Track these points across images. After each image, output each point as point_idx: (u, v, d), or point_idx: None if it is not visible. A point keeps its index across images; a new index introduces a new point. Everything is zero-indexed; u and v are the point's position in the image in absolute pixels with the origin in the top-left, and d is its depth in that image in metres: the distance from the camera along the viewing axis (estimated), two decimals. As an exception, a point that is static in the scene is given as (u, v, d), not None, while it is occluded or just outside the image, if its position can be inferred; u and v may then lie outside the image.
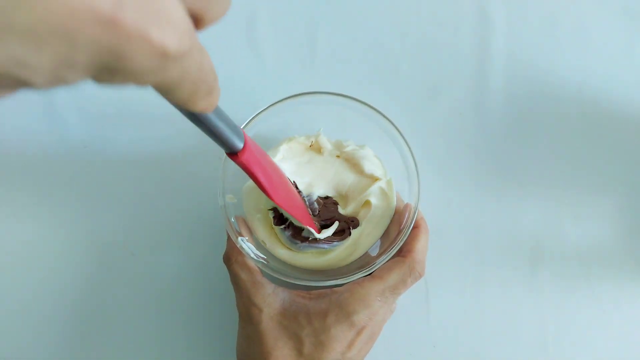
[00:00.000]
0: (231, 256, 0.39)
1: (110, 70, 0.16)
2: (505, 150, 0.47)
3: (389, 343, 0.45)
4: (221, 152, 0.40)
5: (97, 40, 0.14)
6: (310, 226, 0.38)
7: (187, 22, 0.17)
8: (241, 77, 0.48)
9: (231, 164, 0.40)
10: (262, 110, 0.40)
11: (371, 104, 0.41)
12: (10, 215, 0.46)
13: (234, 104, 0.47)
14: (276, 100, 0.40)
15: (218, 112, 0.26)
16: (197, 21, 0.19)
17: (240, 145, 0.29)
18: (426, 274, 0.45)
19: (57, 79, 0.15)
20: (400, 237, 0.40)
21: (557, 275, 0.45)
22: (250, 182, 0.42)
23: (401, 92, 0.48)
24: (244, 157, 0.30)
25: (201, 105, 0.21)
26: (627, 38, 0.48)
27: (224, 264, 0.40)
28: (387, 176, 0.43)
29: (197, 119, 0.25)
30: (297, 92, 0.41)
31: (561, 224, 0.46)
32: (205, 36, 0.51)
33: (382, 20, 0.49)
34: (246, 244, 0.40)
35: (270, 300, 0.38)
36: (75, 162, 0.47)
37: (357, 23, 0.49)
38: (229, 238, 0.40)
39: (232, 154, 0.30)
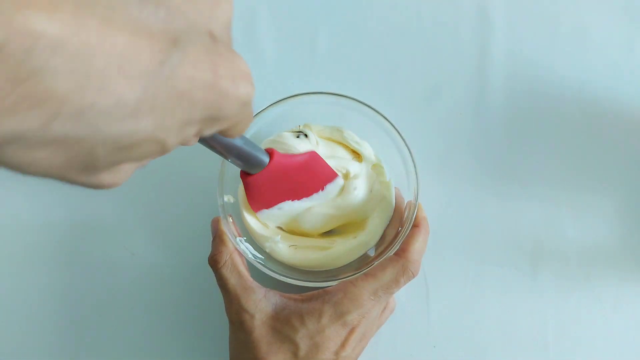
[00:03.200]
0: (219, 259, 0.38)
1: (212, 121, 0.20)
2: (505, 150, 0.47)
3: (389, 343, 0.45)
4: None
5: (207, 99, 0.19)
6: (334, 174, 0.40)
7: (251, 75, 0.21)
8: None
9: (230, 165, 0.40)
10: (261, 110, 0.40)
11: (370, 104, 0.41)
12: (9, 215, 0.46)
13: (233, 104, 0.47)
14: (276, 100, 0.41)
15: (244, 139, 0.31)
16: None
17: (266, 158, 0.34)
18: (426, 273, 0.45)
19: (181, 136, 0.20)
20: (398, 237, 0.40)
21: (557, 275, 0.45)
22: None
23: (401, 92, 0.48)
24: (275, 161, 0.35)
25: (238, 133, 0.25)
26: (627, 38, 0.48)
27: None
28: (387, 176, 0.43)
29: (225, 147, 0.30)
30: (297, 92, 0.41)
31: (561, 224, 0.46)
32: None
33: (382, 20, 0.49)
34: (244, 244, 0.40)
35: (262, 305, 0.37)
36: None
37: (357, 23, 0.48)
38: (214, 239, 0.39)
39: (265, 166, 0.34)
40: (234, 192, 0.42)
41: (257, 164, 0.33)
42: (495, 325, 0.45)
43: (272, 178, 0.36)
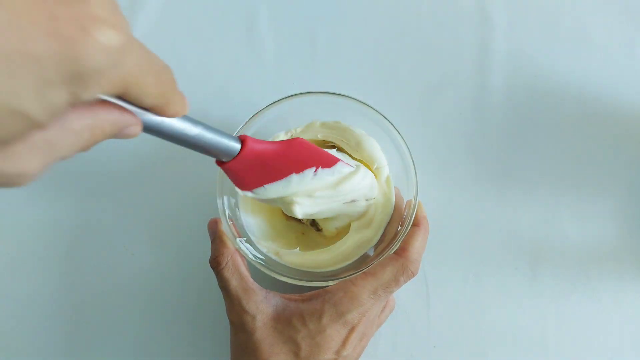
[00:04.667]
0: (220, 261, 0.38)
1: (79, 76, 0.18)
2: (505, 149, 0.47)
3: (389, 343, 0.45)
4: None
5: (53, 51, 0.17)
6: (334, 160, 0.38)
7: (116, 21, 0.19)
8: (241, 76, 0.48)
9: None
10: (261, 110, 0.40)
11: (370, 104, 0.41)
12: (9, 215, 0.46)
13: (234, 104, 0.47)
14: (276, 100, 0.41)
15: (201, 123, 0.27)
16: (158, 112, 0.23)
17: (237, 145, 0.31)
18: (426, 273, 0.45)
19: (47, 101, 0.18)
20: (398, 236, 0.40)
21: (557, 275, 0.45)
22: None
23: (401, 92, 0.48)
24: (249, 148, 0.31)
25: (174, 107, 0.23)
26: (627, 38, 0.48)
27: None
28: (384, 172, 0.43)
29: (191, 138, 0.26)
30: (297, 92, 0.41)
31: (561, 224, 0.46)
32: (205, 36, 0.52)
33: (382, 20, 0.49)
34: (244, 245, 0.40)
35: (263, 306, 0.37)
36: (75, 162, 0.47)
37: (357, 23, 0.49)
38: (214, 241, 0.39)
39: (237, 155, 0.31)
40: (233, 193, 0.42)
41: (226, 152, 0.30)
42: (495, 325, 0.45)
43: (249, 164, 0.33)
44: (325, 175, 0.38)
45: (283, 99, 0.41)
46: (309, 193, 0.38)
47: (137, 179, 0.47)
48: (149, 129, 0.24)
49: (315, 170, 0.37)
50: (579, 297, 0.45)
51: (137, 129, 0.23)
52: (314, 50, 0.48)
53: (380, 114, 0.41)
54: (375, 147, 0.42)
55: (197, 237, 0.45)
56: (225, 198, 0.40)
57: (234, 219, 0.41)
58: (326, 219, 0.42)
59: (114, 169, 0.47)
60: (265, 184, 0.36)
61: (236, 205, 0.42)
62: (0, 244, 0.46)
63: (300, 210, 0.38)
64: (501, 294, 0.45)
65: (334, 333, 0.37)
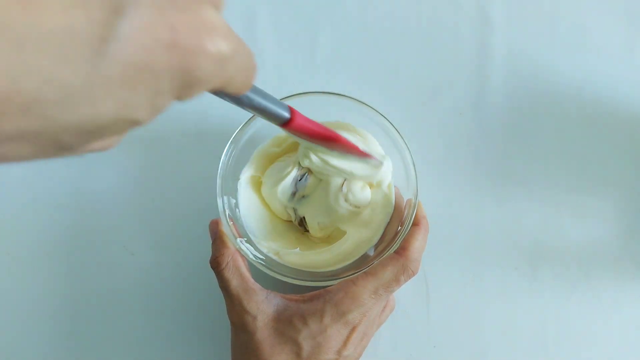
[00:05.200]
0: (221, 261, 0.38)
1: (188, 85, 0.18)
2: (505, 150, 0.47)
3: (389, 343, 0.45)
4: (220, 152, 0.40)
5: (171, 65, 0.17)
6: (366, 156, 0.39)
7: (227, 26, 0.19)
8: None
9: (230, 165, 0.40)
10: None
11: (370, 104, 0.41)
12: (9, 215, 0.46)
13: (233, 104, 0.47)
14: (276, 100, 0.40)
15: (257, 90, 0.29)
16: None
17: (287, 114, 0.32)
18: (426, 274, 0.45)
19: (155, 109, 0.18)
20: (398, 236, 0.40)
21: (557, 275, 0.45)
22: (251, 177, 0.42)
23: (401, 92, 0.48)
24: (296, 123, 0.32)
25: (246, 89, 0.24)
26: (627, 38, 0.48)
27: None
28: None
29: (243, 102, 0.28)
30: (297, 92, 0.41)
31: (561, 224, 0.46)
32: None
33: (382, 20, 0.49)
34: (245, 245, 0.40)
35: (264, 306, 0.37)
36: (75, 162, 0.47)
37: (357, 23, 0.49)
38: (214, 241, 0.39)
39: (285, 124, 0.32)
40: (233, 193, 0.42)
41: (274, 119, 0.32)
42: (495, 325, 0.45)
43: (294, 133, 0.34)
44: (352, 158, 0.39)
45: (283, 99, 0.40)
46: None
47: (137, 179, 0.47)
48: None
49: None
50: (579, 297, 0.45)
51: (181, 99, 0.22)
52: (314, 50, 0.48)
53: (380, 114, 0.41)
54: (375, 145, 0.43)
55: (197, 237, 0.45)
56: (225, 198, 0.40)
57: (234, 219, 0.41)
58: (311, 212, 0.42)
59: (114, 168, 0.47)
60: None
61: (236, 205, 0.42)
62: (0, 244, 0.46)
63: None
64: (501, 294, 0.45)
65: (335, 333, 0.37)
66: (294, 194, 0.42)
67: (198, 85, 0.19)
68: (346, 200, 0.41)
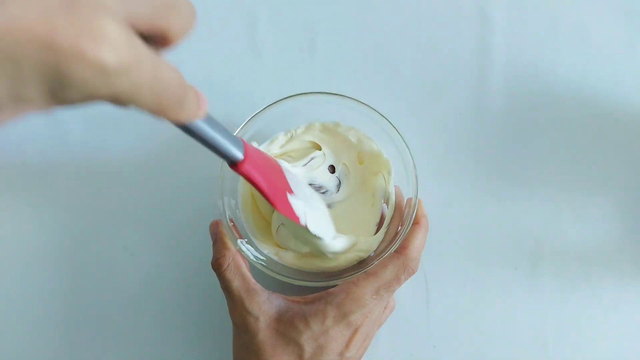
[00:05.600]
0: (222, 262, 0.38)
1: (60, 85, 0.18)
2: (506, 150, 0.47)
3: (389, 343, 0.45)
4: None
5: (36, 58, 0.17)
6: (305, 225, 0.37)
7: (125, 37, 0.18)
8: (241, 77, 0.48)
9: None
10: (261, 110, 0.40)
11: (370, 104, 0.41)
12: (9, 215, 0.46)
13: (233, 104, 0.47)
14: (276, 100, 0.41)
15: (210, 123, 0.26)
16: (163, 40, 0.21)
17: (240, 155, 0.29)
18: (426, 273, 0.45)
19: (18, 98, 0.18)
20: (398, 235, 0.40)
21: (557, 275, 0.45)
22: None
23: (401, 92, 0.48)
24: (245, 168, 0.30)
25: (176, 116, 0.23)
26: (627, 38, 0.48)
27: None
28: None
29: (188, 131, 0.25)
30: (297, 92, 0.41)
31: (561, 224, 0.46)
32: (205, 36, 0.52)
33: (382, 20, 0.49)
34: (245, 246, 0.40)
35: (266, 307, 0.37)
36: (75, 162, 0.47)
37: (357, 23, 0.48)
38: (215, 243, 0.39)
39: (233, 164, 0.30)
40: (234, 194, 0.42)
41: (226, 158, 0.29)
42: (495, 325, 0.45)
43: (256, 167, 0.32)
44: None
45: (283, 99, 0.40)
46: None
47: (137, 179, 0.47)
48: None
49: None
50: (579, 297, 0.45)
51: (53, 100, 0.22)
52: (314, 50, 0.48)
53: (380, 114, 0.41)
54: (374, 147, 0.43)
55: (198, 238, 0.45)
56: (225, 199, 0.40)
57: (235, 220, 0.41)
58: (290, 241, 0.42)
59: (114, 168, 0.47)
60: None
61: (237, 206, 0.42)
62: (0, 244, 0.46)
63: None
64: (501, 294, 0.45)
65: (338, 334, 0.37)
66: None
67: (73, 88, 0.18)
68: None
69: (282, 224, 0.41)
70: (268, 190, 0.33)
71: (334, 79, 0.48)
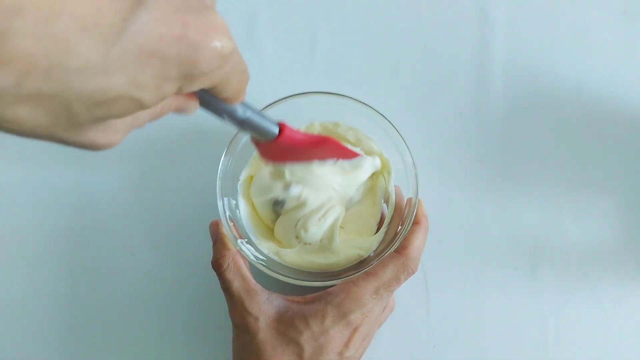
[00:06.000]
0: (222, 262, 0.38)
1: (190, 76, 0.21)
2: (505, 149, 0.47)
3: (389, 343, 0.45)
4: (220, 153, 0.40)
5: (179, 54, 0.20)
6: (353, 155, 0.40)
7: (228, 29, 0.22)
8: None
9: (230, 166, 0.40)
10: (260, 110, 0.40)
11: (370, 104, 0.41)
12: (10, 215, 0.46)
13: (233, 104, 0.47)
14: (275, 100, 0.41)
15: (251, 105, 0.30)
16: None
17: (276, 130, 0.33)
18: (426, 273, 0.45)
19: (159, 93, 0.21)
20: (398, 235, 0.40)
21: (557, 275, 0.45)
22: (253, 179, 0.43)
23: (401, 92, 0.48)
24: (286, 133, 0.33)
25: (242, 96, 0.26)
26: (627, 38, 0.48)
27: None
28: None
29: (241, 114, 0.29)
30: (297, 92, 0.41)
31: (561, 224, 0.46)
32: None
33: (382, 20, 0.49)
34: (245, 246, 0.40)
35: (266, 308, 0.37)
36: (75, 162, 0.47)
37: (357, 23, 0.48)
38: (215, 243, 0.39)
39: (273, 137, 0.33)
40: (233, 194, 0.42)
41: (266, 134, 0.33)
42: (495, 325, 0.45)
43: (282, 147, 0.35)
44: (344, 164, 0.40)
45: (282, 99, 0.40)
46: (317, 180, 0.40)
47: (137, 179, 0.47)
48: (208, 108, 0.27)
49: (336, 161, 0.40)
50: (578, 297, 0.45)
51: (194, 110, 0.25)
52: (314, 50, 0.48)
53: (380, 114, 0.41)
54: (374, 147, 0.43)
55: (197, 238, 0.45)
56: (225, 199, 0.40)
57: (235, 221, 0.41)
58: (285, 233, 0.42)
59: (114, 169, 0.47)
60: (290, 162, 0.39)
61: (236, 206, 0.42)
62: (1, 245, 0.46)
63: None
64: (501, 294, 0.45)
65: (337, 334, 0.37)
66: (273, 220, 0.43)
67: (200, 77, 0.21)
68: (297, 237, 0.41)
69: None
70: (315, 138, 0.37)
71: (334, 79, 0.48)
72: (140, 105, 0.21)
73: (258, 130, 0.32)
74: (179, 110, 0.25)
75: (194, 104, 0.25)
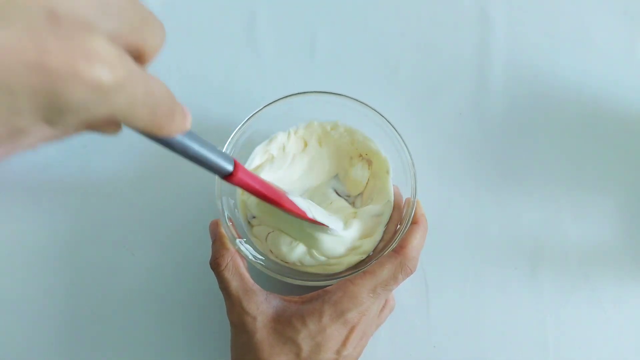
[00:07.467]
0: (221, 262, 0.38)
1: (57, 110, 0.18)
2: (505, 149, 0.47)
3: (389, 343, 0.45)
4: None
5: (31, 84, 0.17)
6: (314, 222, 0.38)
7: (117, 54, 0.18)
8: (241, 76, 0.48)
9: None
10: (260, 109, 0.40)
11: (369, 104, 0.41)
12: (10, 216, 0.46)
13: (233, 103, 0.47)
14: (275, 99, 0.41)
15: (197, 138, 0.26)
16: (139, 57, 0.21)
17: (230, 167, 0.30)
18: (426, 273, 0.45)
19: (14, 130, 0.18)
20: (397, 235, 0.40)
21: (557, 275, 0.45)
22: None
23: (401, 92, 0.48)
24: (238, 177, 0.30)
25: (168, 129, 0.23)
26: (627, 38, 0.48)
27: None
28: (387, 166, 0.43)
29: (177, 146, 0.25)
30: (297, 92, 0.41)
31: (561, 224, 0.46)
32: (205, 36, 0.52)
33: (382, 20, 0.49)
34: (244, 246, 0.40)
35: (264, 307, 0.37)
36: (75, 163, 0.47)
37: (357, 23, 0.49)
38: (214, 242, 0.39)
39: (226, 176, 0.30)
40: (232, 194, 0.42)
41: (216, 171, 0.30)
42: (495, 325, 0.45)
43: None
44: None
45: (282, 98, 0.41)
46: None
47: (137, 179, 0.47)
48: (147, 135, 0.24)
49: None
50: (578, 297, 0.45)
51: (115, 134, 0.23)
52: (314, 50, 0.48)
53: (380, 114, 0.41)
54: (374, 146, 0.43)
55: (197, 237, 0.45)
56: (224, 199, 0.40)
57: (234, 220, 0.41)
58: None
59: (114, 169, 0.47)
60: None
61: (235, 206, 0.42)
62: (0, 244, 0.46)
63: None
64: (501, 294, 0.45)
65: (334, 333, 0.37)
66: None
67: (71, 111, 0.18)
68: (271, 251, 0.41)
69: (270, 232, 0.42)
70: (267, 192, 0.34)
71: (333, 79, 0.48)
72: None
73: (206, 166, 0.28)
74: (99, 133, 0.22)
75: (113, 129, 0.22)
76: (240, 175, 0.30)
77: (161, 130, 0.22)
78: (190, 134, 0.26)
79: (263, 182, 0.34)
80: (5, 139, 0.18)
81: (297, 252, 0.41)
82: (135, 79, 0.19)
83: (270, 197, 0.34)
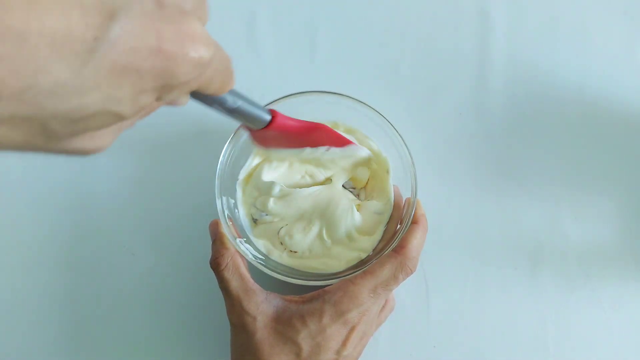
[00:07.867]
0: (220, 262, 0.38)
1: (169, 86, 0.20)
2: (506, 150, 0.47)
3: (389, 343, 0.45)
4: (219, 153, 0.40)
5: (155, 67, 0.19)
6: (347, 142, 0.41)
7: (207, 35, 0.21)
8: (241, 76, 0.47)
9: (228, 165, 0.40)
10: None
11: (369, 104, 0.41)
12: (10, 215, 0.46)
13: (233, 104, 0.47)
14: (275, 99, 0.41)
15: (238, 93, 0.30)
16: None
17: (268, 117, 0.34)
18: (426, 273, 0.45)
19: (137, 105, 0.20)
20: (397, 235, 0.40)
21: (557, 275, 0.45)
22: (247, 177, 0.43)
23: (401, 92, 0.48)
24: (277, 121, 0.34)
25: (228, 88, 0.26)
26: (627, 39, 0.48)
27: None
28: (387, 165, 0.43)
29: (230, 103, 0.30)
30: (297, 92, 0.41)
31: (561, 224, 0.46)
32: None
33: (382, 20, 0.49)
34: (244, 246, 0.40)
35: (264, 307, 0.37)
36: (75, 163, 0.47)
37: (357, 23, 0.49)
38: (214, 242, 0.39)
39: (265, 125, 0.34)
40: (232, 193, 0.42)
41: (257, 122, 0.33)
42: (495, 325, 0.45)
43: (274, 134, 0.36)
44: (335, 151, 0.41)
45: (282, 98, 0.41)
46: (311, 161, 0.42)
47: (137, 179, 0.47)
48: (198, 99, 0.27)
49: (328, 148, 0.40)
50: (579, 297, 0.45)
51: (185, 103, 0.25)
52: (314, 50, 0.48)
53: (380, 114, 0.41)
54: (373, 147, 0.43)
55: (197, 237, 0.45)
56: (224, 199, 0.40)
57: (234, 220, 0.41)
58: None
59: (114, 169, 0.47)
60: (281, 148, 0.40)
61: (235, 206, 0.42)
62: (0, 244, 0.46)
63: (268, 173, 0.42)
64: (501, 294, 0.45)
65: (335, 333, 0.37)
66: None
67: (179, 86, 0.21)
68: (282, 243, 0.42)
69: (283, 226, 0.42)
70: (305, 125, 0.38)
71: (333, 79, 0.48)
72: (119, 118, 0.20)
73: (249, 118, 0.32)
74: (170, 104, 0.25)
75: (184, 98, 0.25)
76: (279, 119, 0.34)
77: (224, 89, 0.26)
78: (232, 91, 0.29)
79: (299, 120, 0.37)
80: (132, 116, 0.21)
81: (309, 236, 0.41)
82: (218, 52, 0.22)
83: (310, 127, 0.38)
